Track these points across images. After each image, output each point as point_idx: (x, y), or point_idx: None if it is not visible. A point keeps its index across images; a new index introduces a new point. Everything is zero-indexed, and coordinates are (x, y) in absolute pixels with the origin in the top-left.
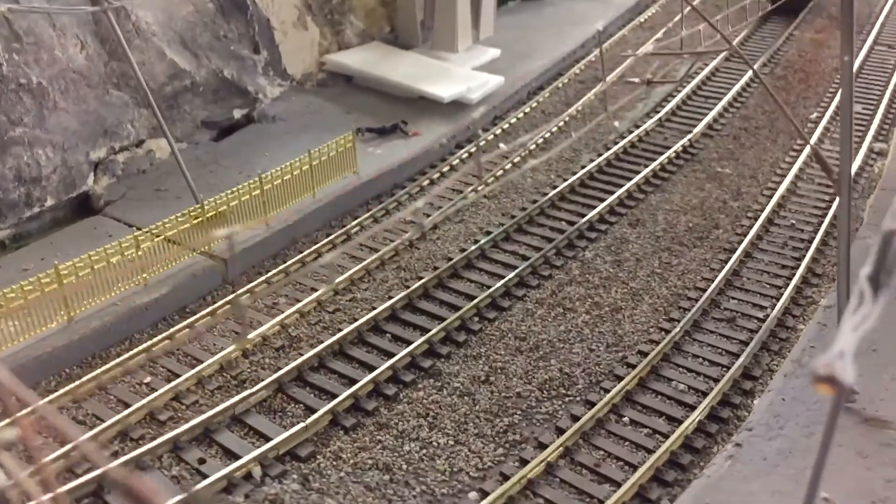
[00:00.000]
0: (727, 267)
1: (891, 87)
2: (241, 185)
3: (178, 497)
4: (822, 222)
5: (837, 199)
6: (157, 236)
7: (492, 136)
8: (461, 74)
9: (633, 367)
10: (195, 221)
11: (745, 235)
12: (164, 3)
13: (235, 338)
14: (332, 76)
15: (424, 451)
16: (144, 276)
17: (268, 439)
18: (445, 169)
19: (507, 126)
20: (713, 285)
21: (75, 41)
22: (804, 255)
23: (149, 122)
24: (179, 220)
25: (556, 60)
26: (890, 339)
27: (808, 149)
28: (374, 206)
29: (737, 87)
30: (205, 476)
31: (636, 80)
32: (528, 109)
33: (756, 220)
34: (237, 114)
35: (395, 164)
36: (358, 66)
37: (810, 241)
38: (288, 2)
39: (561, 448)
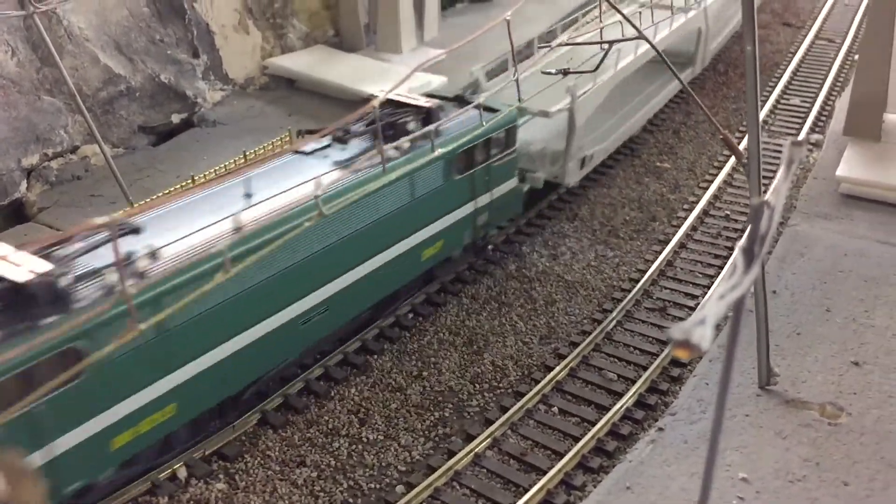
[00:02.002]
0: (661, 258)
1: (829, 80)
2: (174, 186)
3: None
4: None
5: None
6: None
7: None
8: (403, 76)
9: (564, 357)
10: None
11: (680, 227)
12: (98, 7)
13: None
14: (275, 80)
15: (354, 447)
16: None
17: (195, 441)
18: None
19: None
20: (646, 276)
21: (5, 47)
22: (737, 245)
23: (83, 128)
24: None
25: (501, 61)
26: (814, 323)
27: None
28: None
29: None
30: (129, 479)
31: (552, 70)
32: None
33: (691, 211)
34: (176, 118)
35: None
36: (300, 69)
37: (744, 231)
38: (228, 6)
39: (489, 439)
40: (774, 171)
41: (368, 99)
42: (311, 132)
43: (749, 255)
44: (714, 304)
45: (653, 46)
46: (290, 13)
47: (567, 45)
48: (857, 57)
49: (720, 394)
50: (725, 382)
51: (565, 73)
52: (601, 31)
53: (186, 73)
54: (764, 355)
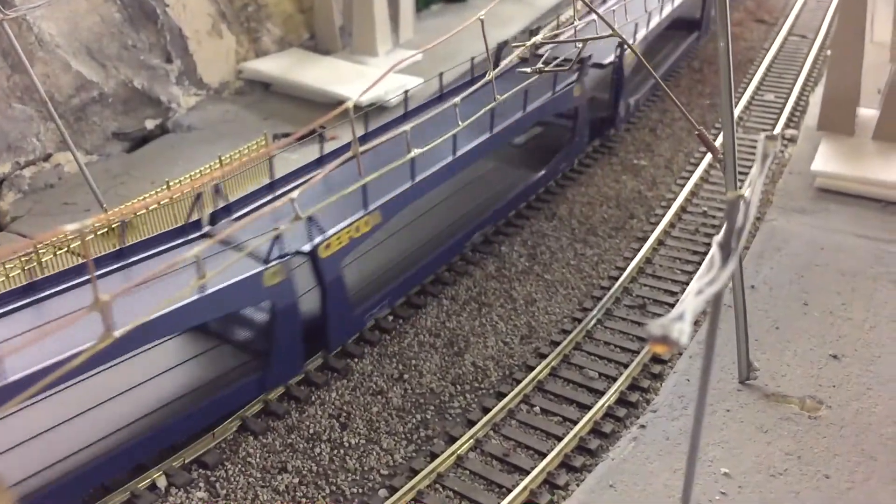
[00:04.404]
0: (639, 255)
1: (802, 76)
2: (149, 193)
3: None
4: None
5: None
6: (59, 249)
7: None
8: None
9: (545, 356)
10: (100, 232)
11: (658, 224)
12: (69, 13)
13: None
14: (250, 84)
15: (335, 451)
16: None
17: (174, 448)
18: None
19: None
20: (625, 274)
21: None
22: (713, 240)
23: (56, 136)
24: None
25: (477, 63)
26: (792, 317)
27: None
28: None
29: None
30: (107, 490)
31: (527, 70)
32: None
33: (669, 208)
34: (150, 124)
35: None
36: (275, 72)
37: (721, 227)
38: (201, 10)
39: (471, 440)
40: (750, 167)
41: (341, 102)
42: (286, 135)
43: (726, 249)
44: (692, 299)
45: (628, 46)
46: (263, 17)
47: (544, 43)
48: (829, 52)
49: (701, 389)
50: (706, 378)
51: (540, 71)
52: (575, 30)
53: (160, 78)
54: (743, 350)
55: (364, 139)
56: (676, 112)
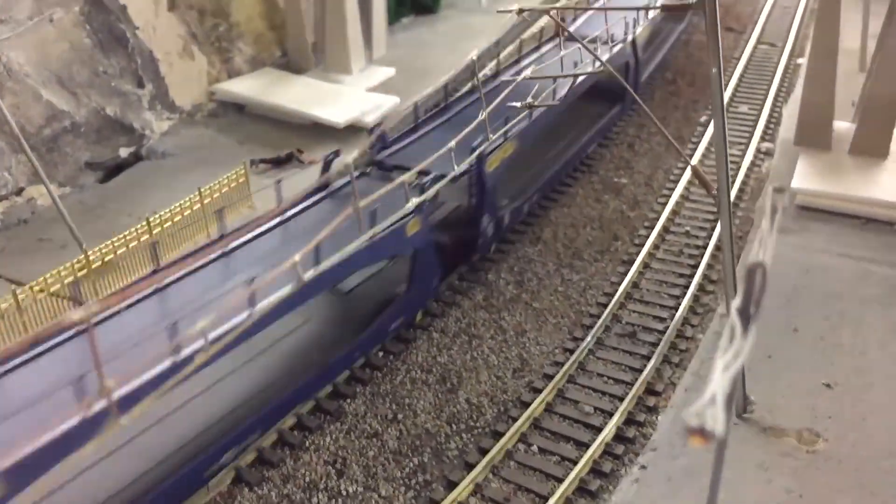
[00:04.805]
0: (626, 280)
1: (774, 85)
2: (129, 229)
3: None
4: (715, 227)
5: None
6: (40, 291)
7: None
8: (355, 97)
9: (539, 391)
10: (80, 273)
11: (643, 246)
12: (37, 41)
13: None
14: (224, 106)
15: (333, 501)
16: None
17: None
18: None
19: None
20: (613, 300)
21: None
22: (699, 263)
23: (27, 169)
24: (63, 273)
25: (450, 78)
26: (784, 345)
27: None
28: None
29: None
30: None
31: (517, 104)
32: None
33: (652, 228)
34: (124, 152)
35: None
36: (249, 93)
37: (705, 248)
38: (172, 32)
39: (471, 485)
40: (731, 182)
41: (320, 124)
42: (264, 161)
43: (745, 317)
44: (720, 377)
45: (622, 82)
46: (235, 37)
47: (533, 79)
48: (800, 61)
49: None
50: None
51: (530, 106)
52: (560, 61)
53: (132, 104)
54: (740, 384)
55: None
56: (652, 126)
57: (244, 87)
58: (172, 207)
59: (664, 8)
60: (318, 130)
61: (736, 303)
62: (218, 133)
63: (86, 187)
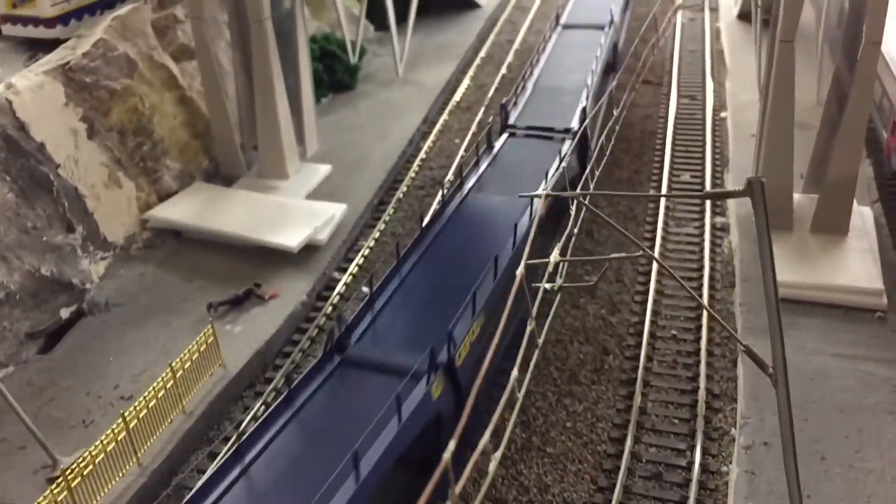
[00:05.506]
0: (633, 408)
1: (708, 146)
2: (105, 434)
3: None
4: (700, 327)
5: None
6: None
7: (350, 278)
8: (302, 211)
9: None
10: (61, 497)
11: (636, 360)
12: None
13: None
14: (159, 233)
15: None
16: None
17: None
18: (314, 333)
19: (361, 261)
20: (628, 436)
21: None
22: (697, 374)
23: None
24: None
25: (389, 168)
26: (818, 480)
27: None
28: (248, 398)
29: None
30: None
31: (548, 286)
32: (377, 234)
33: (639, 336)
34: (65, 313)
35: (260, 343)
36: (186, 219)
37: (695, 353)
38: (94, 161)
39: None
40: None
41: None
42: (222, 303)
43: None
44: None
45: (660, 263)
46: (160, 153)
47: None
48: (723, 115)
49: None
50: None
51: (559, 288)
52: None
53: (67, 256)
54: None
55: None
56: (608, 207)
57: (179, 211)
58: (146, 394)
59: (708, 196)
60: (269, 253)
61: None
62: (160, 269)
63: (29, 362)
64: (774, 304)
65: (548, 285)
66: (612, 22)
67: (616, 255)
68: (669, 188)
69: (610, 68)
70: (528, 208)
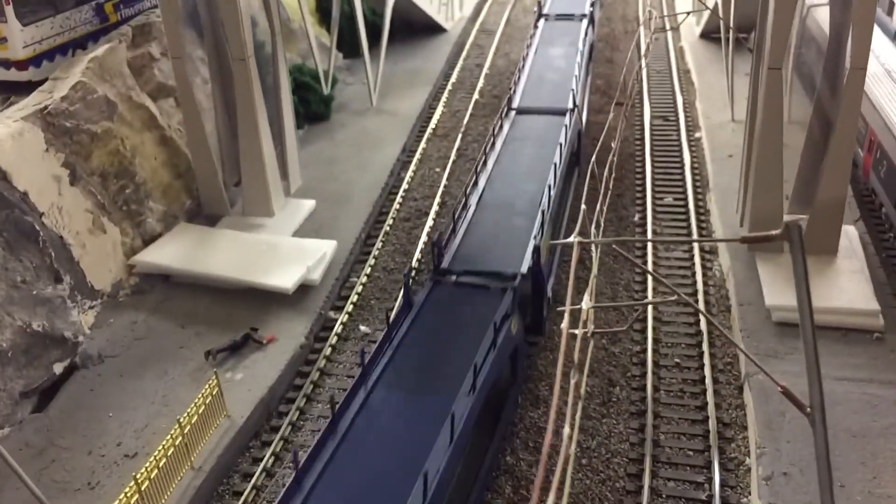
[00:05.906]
0: (646, 441)
1: (686, 167)
2: (119, 499)
3: None
4: (703, 354)
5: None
6: None
7: (346, 317)
8: (293, 250)
9: None
10: None
11: (643, 390)
12: None
13: None
14: (147, 278)
15: None
16: None
17: None
18: (316, 376)
19: (355, 298)
20: (646, 471)
21: None
22: (705, 403)
23: None
24: None
25: (374, 200)
26: None
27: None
28: (255, 449)
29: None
30: None
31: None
32: (368, 270)
33: (643, 365)
34: (58, 368)
35: (263, 390)
36: (174, 263)
37: (700, 381)
38: (78, 208)
39: None
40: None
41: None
42: (221, 350)
43: None
44: None
45: (696, 308)
46: (143, 196)
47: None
48: (697, 135)
49: None
50: None
51: (592, 334)
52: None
53: (57, 308)
54: None
55: None
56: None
57: (166, 255)
58: (156, 452)
59: (744, 240)
60: (262, 295)
61: None
62: (151, 316)
63: (25, 422)
64: (813, 348)
65: (579, 331)
66: (574, 108)
67: (651, 300)
68: (655, 211)
69: (574, 163)
70: None
